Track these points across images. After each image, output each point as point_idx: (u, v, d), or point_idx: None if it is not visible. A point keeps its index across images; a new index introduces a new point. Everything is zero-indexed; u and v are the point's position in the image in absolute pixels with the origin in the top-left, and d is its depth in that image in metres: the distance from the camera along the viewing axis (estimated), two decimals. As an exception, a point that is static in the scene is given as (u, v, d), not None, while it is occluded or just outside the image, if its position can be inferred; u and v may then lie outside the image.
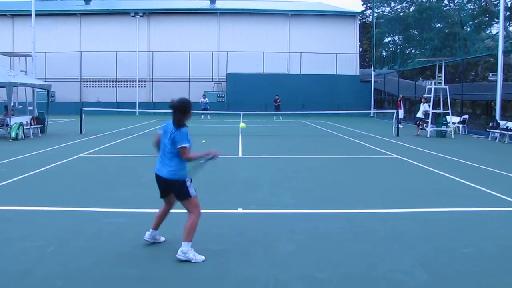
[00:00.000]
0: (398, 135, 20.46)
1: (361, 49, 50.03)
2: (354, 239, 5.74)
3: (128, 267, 4.71)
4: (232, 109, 35.95)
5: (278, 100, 34.21)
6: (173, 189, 5.05)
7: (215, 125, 26.46)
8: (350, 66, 42.63)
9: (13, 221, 6.40)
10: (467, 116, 24.54)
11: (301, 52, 41.60)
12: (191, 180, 5.08)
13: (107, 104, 37.73)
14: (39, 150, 14.05)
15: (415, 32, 38.14)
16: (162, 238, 5.45)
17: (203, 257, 4.88)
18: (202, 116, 34.10)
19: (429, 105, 20.84)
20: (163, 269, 4.68)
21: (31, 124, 18.81)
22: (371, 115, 38.15)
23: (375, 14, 42.79)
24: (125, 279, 4.41)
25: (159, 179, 5.06)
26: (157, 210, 5.44)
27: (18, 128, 17.14)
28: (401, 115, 25.36)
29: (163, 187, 5.11)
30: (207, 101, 35.81)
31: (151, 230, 5.34)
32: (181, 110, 5.04)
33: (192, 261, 4.80)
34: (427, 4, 36.82)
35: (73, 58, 41.58)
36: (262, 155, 13.86)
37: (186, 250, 4.82)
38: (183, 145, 4.91)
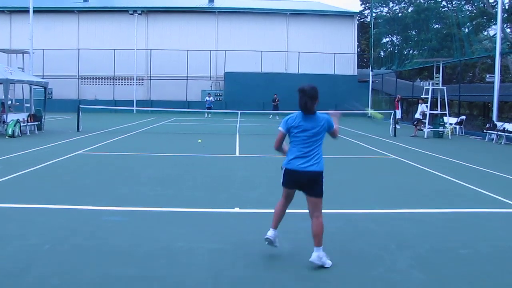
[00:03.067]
0: (395, 135, 20.48)
1: (359, 49, 50.11)
2: (351, 239, 5.73)
3: (125, 266, 4.70)
4: (229, 108, 35.92)
5: (276, 100, 34.17)
6: (315, 184, 4.73)
7: (213, 124, 26.44)
8: (348, 66, 42.68)
9: (9, 219, 6.37)
10: (464, 117, 24.58)
11: (299, 52, 41.60)
12: None
13: (105, 102, 37.71)
14: (35, 148, 14.01)
15: (413, 32, 38.17)
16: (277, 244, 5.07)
17: (330, 262, 4.77)
18: (206, 114, 34.15)
19: (427, 106, 20.87)
20: (160, 268, 4.66)
21: (28, 121, 18.76)
22: (369, 115, 38.17)
23: (374, 14, 42.82)
24: (122, 278, 4.40)
25: (303, 176, 4.69)
26: (154, 209, 5.39)
27: (14, 125, 17.10)
28: (398, 115, 25.37)
29: (303, 184, 4.75)
30: (212, 100, 35.85)
31: (272, 229, 5.03)
32: (314, 96, 4.71)
33: (326, 266, 4.68)
34: (425, 5, 36.85)
35: (71, 55, 41.53)
36: (259, 154, 13.85)
37: (322, 255, 4.68)
38: (336, 125, 4.96)
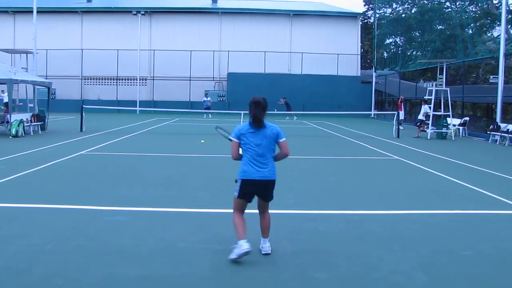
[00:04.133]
0: (398, 136, 20.45)
1: (362, 50, 50.03)
2: (354, 240, 5.73)
3: (128, 266, 4.70)
4: (232, 108, 35.94)
5: (283, 100, 33.69)
6: (270, 190, 5.02)
7: (216, 124, 26.43)
8: (351, 67, 42.63)
9: (12, 219, 6.39)
10: (467, 118, 24.53)
11: (302, 52, 41.59)
12: None
13: (108, 102, 37.80)
14: (39, 148, 14.04)
15: (417, 33, 38.10)
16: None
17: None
18: (204, 115, 34.19)
19: (430, 107, 20.83)
20: (163, 268, 4.67)
21: (31, 121, 18.81)
22: (372, 116, 38.15)
23: (377, 15, 42.78)
24: (125, 278, 4.40)
25: (259, 183, 4.89)
26: (157, 209, 5.37)
27: (18, 125, 17.14)
28: (401, 116, 25.33)
29: (258, 192, 4.98)
30: (210, 100, 35.91)
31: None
32: (265, 107, 4.97)
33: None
34: (428, 5, 36.75)
35: (74, 55, 41.59)
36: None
37: (269, 244, 5.08)
38: (285, 139, 5.03)
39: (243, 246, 4.73)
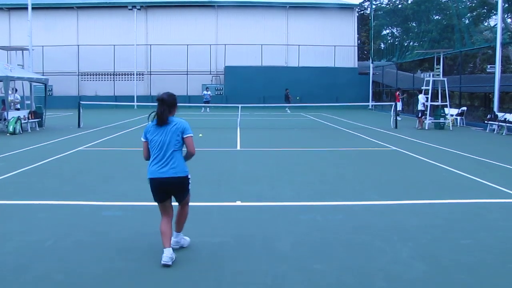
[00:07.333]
0: (396, 127, 20.47)
1: (359, 41, 49.90)
2: (352, 231, 5.74)
3: (127, 260, 4.71)
4: (230, 102, 35.89)
5: (289, 95, 34.14)
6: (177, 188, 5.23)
7: (213, 118, 26.42)
8: (348, 59, 42.54)
9: (11, 216, 6.39)
10: (465, 108, 24.54)
11: (299, 45, 41.46)
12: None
13: (105, 98, 37.64)
14: (37, 144, 14.03)
15: (413, 24, 38.00)
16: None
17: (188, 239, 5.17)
18: (203, 109, 34.14)
19: (426, 97, 20.82)
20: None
21: (28, 118, 18.76)
22: (370, 107, 38.14)
23: (373, 6, 42.65)
24: (125, 273, 4.42)
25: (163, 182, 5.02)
26: (156, 204, 5.33)
27: (15, 123, 17.10)
28: (399, 107, 25.33)
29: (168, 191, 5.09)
30: (210, 94, 35.82)
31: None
32: (171, 104, 4.88)
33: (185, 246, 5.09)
34: (425, -5, 36.65)
35: (70, 51, 41.44)
36: (260, 148, 13.85)
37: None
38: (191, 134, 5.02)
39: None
